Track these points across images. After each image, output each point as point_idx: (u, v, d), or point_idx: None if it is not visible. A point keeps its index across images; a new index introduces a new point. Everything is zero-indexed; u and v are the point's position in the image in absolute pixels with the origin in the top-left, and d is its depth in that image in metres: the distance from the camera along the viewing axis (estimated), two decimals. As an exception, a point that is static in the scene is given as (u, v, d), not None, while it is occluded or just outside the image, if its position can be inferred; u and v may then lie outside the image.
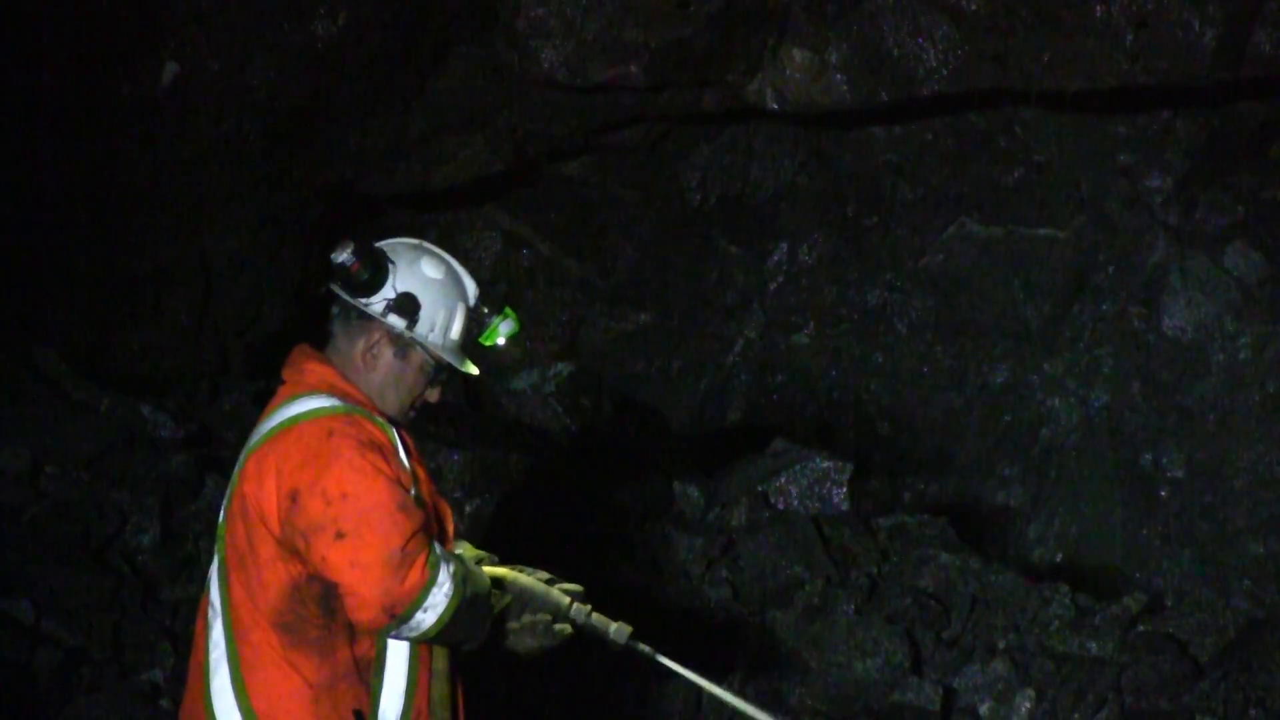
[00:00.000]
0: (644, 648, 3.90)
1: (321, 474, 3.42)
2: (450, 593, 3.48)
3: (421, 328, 3.69)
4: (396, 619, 3.44)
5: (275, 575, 3.48)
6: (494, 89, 8.91)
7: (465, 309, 3.79)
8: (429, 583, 3.44)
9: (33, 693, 6.43)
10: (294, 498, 3.42)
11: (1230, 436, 9.17)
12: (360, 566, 3.39)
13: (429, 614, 3.46)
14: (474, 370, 3.83)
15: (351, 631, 3.52)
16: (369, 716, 3.57)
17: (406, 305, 3.66)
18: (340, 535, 3.39)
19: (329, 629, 3.50)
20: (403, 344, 3.68)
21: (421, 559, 3.43)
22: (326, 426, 3.48)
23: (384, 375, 3.70)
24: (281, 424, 3.53)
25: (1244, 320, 9.14)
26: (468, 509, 7.72)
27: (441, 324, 3.72)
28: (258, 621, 3.49)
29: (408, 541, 3.41)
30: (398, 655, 3.60)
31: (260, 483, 3.48)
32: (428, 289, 3.69)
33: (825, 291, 9.96)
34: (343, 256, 3.61)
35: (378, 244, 3.72)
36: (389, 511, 3.42)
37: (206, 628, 3.59)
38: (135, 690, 6.61)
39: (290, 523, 3.42)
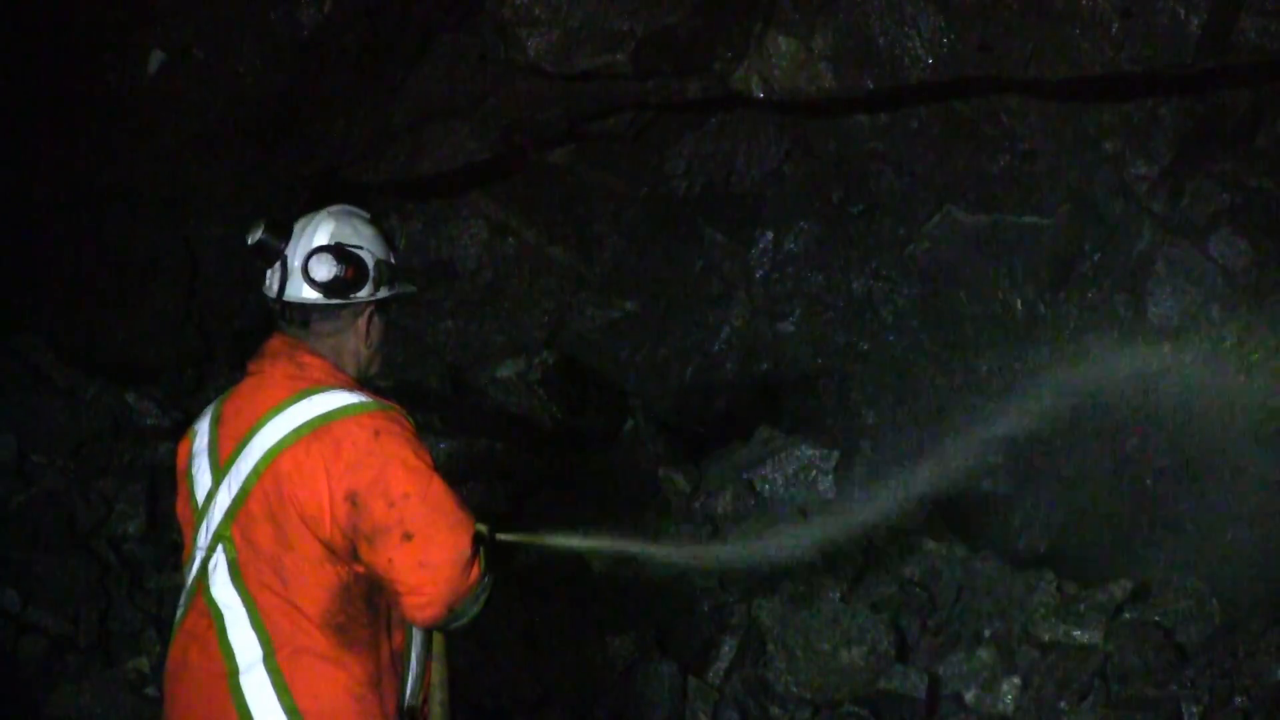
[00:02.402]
0: (486, 534, 3.82)
1: (380, 476, 3.40)
2: (489, 582, 3.50)
3: (398, 280, 3.71)
4: (454, 614, 3.45)
5: (323, 577, 3.44)
6: (479, 77, 8.89)
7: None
8: (483, 576, 3.46)
9: (19, 680, 6.43)
10: (353, 500, 3.39)
11: (1216, 424, 9.18)
12: (430, 567, 3.38)
13: (476, 605, 3.48)
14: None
15: (390, 626, 3.52)
16: (400, 704, 3.58)
17: (388, 272, 3.68)
18: (408, 536, 3.38)
19: (374, 626, 3.50)
20: (384, 303, 3.70)
21: (480, 555, 3.45)
22: (370, 426, 3.45)
23: (377, 340, 3.72)
24: (311, 423, 3.48)
25: (1229, 308, 9.13)
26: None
27: (397, 265, 3.75)
28: (301, 625, 3.45)
29: (472, 540, 3.43)
30: (415, 644, 3.62)
31: (304, 485, 3.42)
32: (380, 245, 3.70)
33: (811, 279, 9.94)
34: (333, 270, 3.58)
35: (326, 240, 3.67)
36: (452, 511, 3.42)
37: (217, 631, 3.51)
38: (121, 678, 6.61)
39: (353, 525, 3.39)
